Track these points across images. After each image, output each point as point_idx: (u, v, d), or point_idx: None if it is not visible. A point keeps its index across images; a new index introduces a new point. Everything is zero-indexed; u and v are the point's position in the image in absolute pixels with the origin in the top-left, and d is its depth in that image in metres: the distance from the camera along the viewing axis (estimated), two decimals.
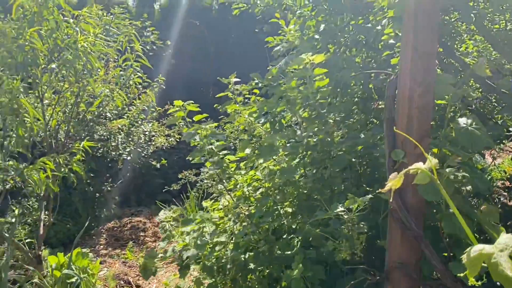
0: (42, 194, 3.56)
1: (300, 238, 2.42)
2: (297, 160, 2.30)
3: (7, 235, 3.11)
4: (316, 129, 2.22)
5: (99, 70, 3.57)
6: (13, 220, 4.46)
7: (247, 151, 2.56)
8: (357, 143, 2.23)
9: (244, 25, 8.60)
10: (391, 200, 1.60)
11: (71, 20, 3.08)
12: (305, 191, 2.34)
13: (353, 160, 2.31)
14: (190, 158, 2.31)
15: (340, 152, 2.26)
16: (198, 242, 2.29)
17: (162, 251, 2.52)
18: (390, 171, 1.71)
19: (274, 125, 2.38)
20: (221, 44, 9.01)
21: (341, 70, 2.41)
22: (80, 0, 8.17)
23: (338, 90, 2.48)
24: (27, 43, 2.66)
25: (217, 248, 2.41)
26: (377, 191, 1.86)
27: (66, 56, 2.97)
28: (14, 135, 2.81)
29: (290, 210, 2.54)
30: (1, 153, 2.81)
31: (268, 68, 2.73)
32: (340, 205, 1.84)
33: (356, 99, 2.70)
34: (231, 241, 2.49)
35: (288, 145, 2.22)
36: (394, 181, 0.87)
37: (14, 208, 4.68)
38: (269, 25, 3.53)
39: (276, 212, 2.55)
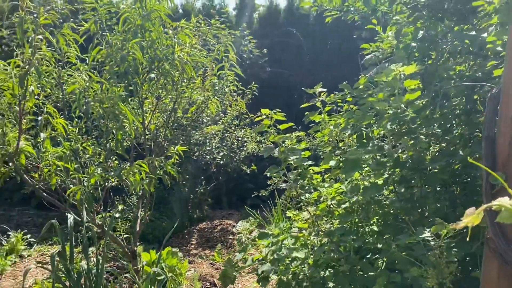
0: (140, 193, 3.83)
1: (384, 259, 2.26)
2: (384, 177, 2.15)
3: (106, 228, 3.38)
4: (406, 144, 2.05)
5: (194, 78, 3.73)
6: (117, 215, 4.87)
7: (332, 163, 2.46)
8: (454, 161, 2.02)
9: (342, 32, 8.42)
10: (487, 226, 1.41)
11: (170, 32, 3.26)
12: (391, 211, 2.18)
13: (448, 179, 2.09)
14: (268, 173, 2.29)
15: (434, 170, 2.07)
16: (275, 256, 2.26)
17: (242, 259, 2.53)
18: (487, 196, 1.51)
19: (360, 139, 2.26)
20: (317, 51, 8.92)
21: (442, 80, 2.21)
22: (186, 11, 8.70)
23: (435, 102, 2.28)
24: (129, 54, 2.88)
25: (294, 263, 2.35)
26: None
27: (164, 66, 3.15)
28: (116, 138, 3.05)
29: (375, 228, 2.39)
30: (104, 154, 3.07)
31: (360, 77, 2.62)
32: (428, 229, 1.67)
33: (458, 111, 2.46)
34: (311, 257, 2.41)
35: (374, 160, 2.08)
36: (471, 218, 0.75)
37: (117, 204, 5.11)
38: (367, 31, 3.39)
39: (361, 230, 2.42)
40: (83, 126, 3.89)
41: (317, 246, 2.38)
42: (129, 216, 5.19)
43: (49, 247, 5.18)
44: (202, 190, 5.84)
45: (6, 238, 4.92)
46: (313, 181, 2.56)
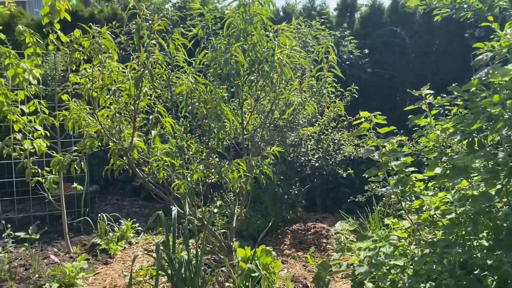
0: (237, 191, 3.97)
1: (495, 277, 2.06)
2: (497, 187, 1.96)
3: (206, 222, 3.57)
4: None
5: (292, 80, 3.77)
6: (215, 210, 5.11)
7: (437, 170, 2.31)
8: None
9: (451, 31, 7.86)
10: None
11: (271, 34, 3.33)
12: (504, 225, 1.98)
13: None
14: (367, 175, 2.22)
15: None
16: (373, 261, 2.18)
17: (336, 263, 2.49)
18: None
19: (471, 145, 2.09)
20: (423, 51, 8.43)
21: None
22: (287, 13, 8.80)
23: None
24: (232, 57, 3.00)
25: (392, 271, 2.25)
26: None
27: (264, 68, 3.23)
28: (217, 137, 3.20)
29: (485, 243, 2.19)
30: (206, 151, 3.24)
31: (471, 79, 2.42)
32: None
33: None
34: (410, 266, 2.29)
35: (485, 168, 1.91)
36: None
37: (216, 200, 5.36)
38: (481, 29, 3.13)
39: (468, 243, 2.24)
40: (188, 125, 4.14)
41: (418, 256, 2.25)
42: (226, 212, 5.40)
43: (154, 236, 5.60)
44: (296, 192, 5.86)
45: (118, 225, 5.42)
46: (415, 188, 2.43)
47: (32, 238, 5.23)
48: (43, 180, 4.42)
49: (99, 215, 5.35)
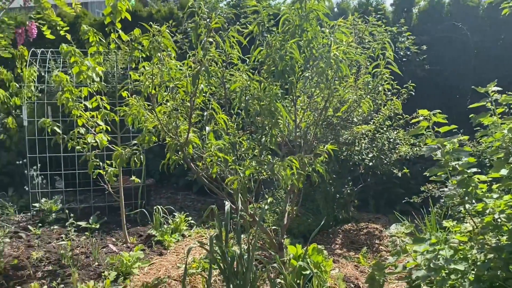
0: (288, 188, 3.97)
1: None
2: None
3: (257, 218, 3.59)
4: None
5: (348, 77, 3.70)
6: (266, 207, 5.13)
7: (503, 172, 2.18)
8: None
9: None
10: None
11: (327, 31, 3.29)
12: None
13: None
14: (428, 174, 2.13)
15: None
16: (431, 265, 2.10)
17: (391, 265, 2.42)
18: None
19: None
20: (486, 47, 7.98)
21: None
22: (341, 10, 8.66)
23: None
24: (287, 53, 3.00)
25: (452, 276, 2.15)
26: None
27: (319, 65, 3.19)
28: (269, 134, 3.20)
29: None
30: (258, 148, 3.26)
31: None
32: None
33: None
34: (472, 272, 2.18)
35: None
36: None
37: (267, 196, 5.38)
38: None
39: None
40: (240, 122, 4.19)
41: (480, 261, 2.14)
42: (277, 209, 5.41)
43: (206, 230, 5.72)
44: (349, 191, 5.76)
45: (172, 218, 5.59)
46: (477, 190, 2.31)
47: (93, 227, 5.52)
48: (104, 172, 4.64)
49: (155, 207, 5.54)
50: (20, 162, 6.72)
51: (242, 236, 4.58)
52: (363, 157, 5.73)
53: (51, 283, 4.01)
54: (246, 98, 2.94)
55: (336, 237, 5.33)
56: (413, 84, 5.59)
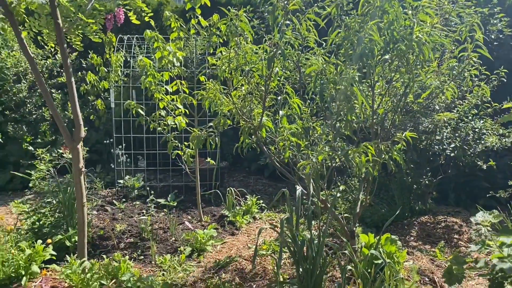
0: (362, 176, 3.87)
1: None
2: None
3: (329, 205, 3.56)
4: None
5: (431, 61, 3.49)
6: (338, 194, 5.06)
7: None
8: None
9: None
10: None
11: (410, 12, 3.12)
12: None
13: None
14: None
15: None
16: None
17: (472, 259, 2.28)
18: None
19: None
20: None
21: None
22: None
23: None
24: (366, 36, 2.89)
25: None
26: None
27: (400, 47, 3.05)
28: (344, 119, 3.14)
29: None
30: (332, 133, 3.21)
31: None
32: None
33: None
34: None
35: None
36: None
37: (339, 184, 5.30)
38: None
39: None
40: (314, 107, 4.15)
41: None
42: (349, 198, 5.31)
43: (277, 214, 5.78)
44: (427, 182, 5.48)
45: (244, 200, 5.73)
46: None
47: (170, 205, 5.82)
48: (182, 153, 4.86)
49: (228, 189, 5.71)
50: (107, 141, 7.24)
51: (313, 222, 4.58)
52: (444, 147, 5.41)
53: (132, 254, 4.31)
54: (321, 82, 2.90)
55: (411, 229, 5.13)
56: (505, 70, 5.14)
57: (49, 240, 3.95)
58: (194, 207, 5.92)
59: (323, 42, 3.62)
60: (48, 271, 3.75)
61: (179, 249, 4.45)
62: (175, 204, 5.89)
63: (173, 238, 4.75)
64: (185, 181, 6.74)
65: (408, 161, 5.34)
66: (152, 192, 5.81)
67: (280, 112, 3.60)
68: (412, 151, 5.46)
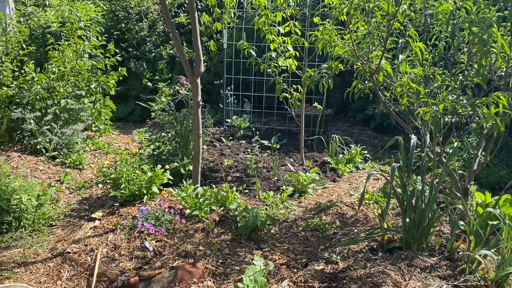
0: (484, 132, 3.57)
1: None
2: None
3: (444, 160, 3.36)
4: None
5: None
6: (451, 151, 4.74)
7: None
8: None
9: None
10: None
11: None
12: None
13: None
14: None
15: None
16: None
17: None
18: None
19: None
20: None
21: None
22: None
23: None
24: None
25: None
26: None
27: None
28: (475, 66, 2.86)
29: None
30: (459, 81, 2.96)
31: None
32: None
33: None
34: None
35: None
36: None
37: (454, 140, 4.95)
38: None
39: None
40: (436, 54, 3.84)
41: None
42: (464, 156, 4.96)
43: (381, 165, 5.63)
44: None
45: (348, 149, 5.65)
46: None
47: (273, 147, 5.97)
48: (290, 96, 4.89)
49: (332, 136, 5.66)
50: (217, 82, 7.53)
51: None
52: None
53: (238, 187, 4.56)
54: (455, 22, 2.63)
55: None
56: None
57: (167, 166, 4.33)
58: (296, 151, 6.01)
59: None
60: (165, 193, 4.14)
61: (281, 188, 4.60)
62: (278, 146, 6.02)
63: (276, 178, 4.91)
64: (288, 125, 6.82)
65: None
66: (258, 133, 5.99)
67: (400, 56, 3.40)
68: None
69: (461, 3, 2.58)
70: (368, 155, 5.80)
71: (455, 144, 4.83)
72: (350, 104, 7.51)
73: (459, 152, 5.05)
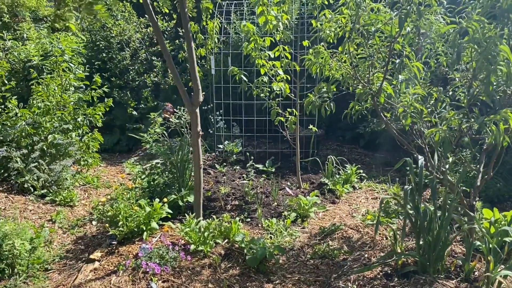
0: (484, 147, 3.57)
1: None
2: None
3: (449, 177, 3.33)
4: None
5: None
6: (446, 166, 4.74)
7: None
8: None
9: None
10: None
11: None
12: None
13: None
14: None
15: None
16: None
17: None
18: None
19: None
20: None
21: None
22: None
23: None
24: None
25: None
26: None
27: None
28: (484, 82, 2.84)
29: None
30: (466, 98, 2.95)
31: None
32: None
33: None
34: None
35: None
36: None
37: (449, 156, 4.95)
38: None
39: None
40: (429, 73, 3.86)
41: None
42: (459, 170, 4.97)
43: (377, 184, 5.60)
44: None
45: (343, 169, 5.61)
46: None
47: (269, 170, 5.88)
48: (285, 120, 4.83)
49: (328, 157, 5.61)
50: (205, 107, 7.43)
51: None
52: None
53: (239, 216, 4.43)
54: (460, 41, 2.63)
55: None
56: None
57: (164, 199, 4.18)
58: (291, 173, 5.93)
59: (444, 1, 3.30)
60: (167, 228, 3.98)
61: (282, 214, 4.50)
62: (273, 170, 5.94)
63: (275, 203, 4.81)
64: (281, 148, 6.77)
65: None
66: (252, 157, 5.90)
67: (400, 76, 3.39)
68: None
69: (465, 24, 2.58)
70: (363, 174, 5.77)
71: (450, 159, 4.86)
72: (338, 123, 7.51)
73: (454, 167, 5.06)
